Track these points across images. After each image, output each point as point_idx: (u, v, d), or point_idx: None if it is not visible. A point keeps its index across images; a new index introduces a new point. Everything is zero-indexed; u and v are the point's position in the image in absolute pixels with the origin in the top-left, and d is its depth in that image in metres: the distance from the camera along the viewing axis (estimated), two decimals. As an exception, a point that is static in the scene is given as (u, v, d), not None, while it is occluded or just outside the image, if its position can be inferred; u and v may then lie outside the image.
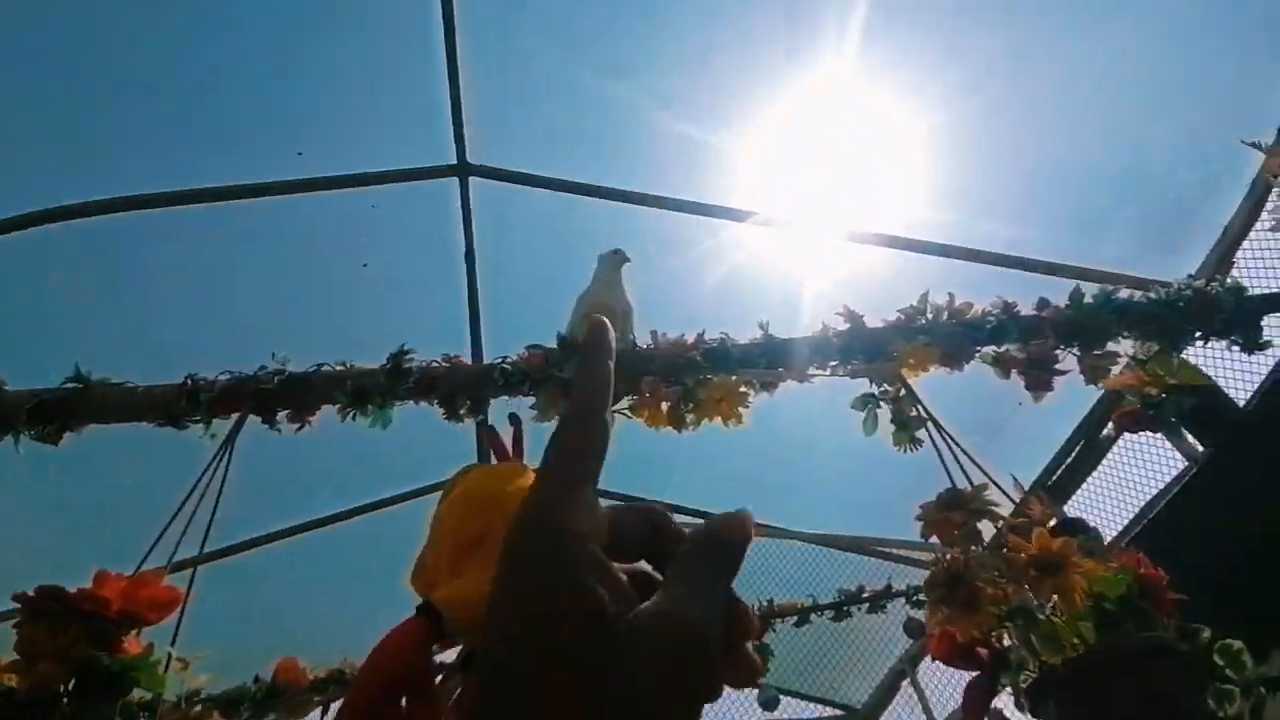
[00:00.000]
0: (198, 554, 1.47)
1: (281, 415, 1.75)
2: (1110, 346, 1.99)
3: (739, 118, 2.80)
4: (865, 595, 3.26)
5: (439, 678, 1.38)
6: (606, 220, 3.01)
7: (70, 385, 1.61)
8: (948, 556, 1.21)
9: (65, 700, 1.21)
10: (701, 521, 0.29)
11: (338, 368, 1.83)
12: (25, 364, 2.02)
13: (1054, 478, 2.95)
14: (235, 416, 1.67)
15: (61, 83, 2.32)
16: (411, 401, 1.85)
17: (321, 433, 1.95)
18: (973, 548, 1.22)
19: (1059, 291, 2.15)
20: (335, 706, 2.74)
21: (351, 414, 1.77)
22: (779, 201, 2.95)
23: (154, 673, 1.25)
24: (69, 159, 2.47)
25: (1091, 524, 2.24)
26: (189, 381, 1.63)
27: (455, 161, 2.83)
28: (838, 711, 4.00)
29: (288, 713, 2.67)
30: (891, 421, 1.74)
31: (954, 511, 1.23)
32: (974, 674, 1.29)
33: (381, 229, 2.95)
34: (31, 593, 1.25)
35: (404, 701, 1.23)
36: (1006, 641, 1.30)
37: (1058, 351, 1.93)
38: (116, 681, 1.24)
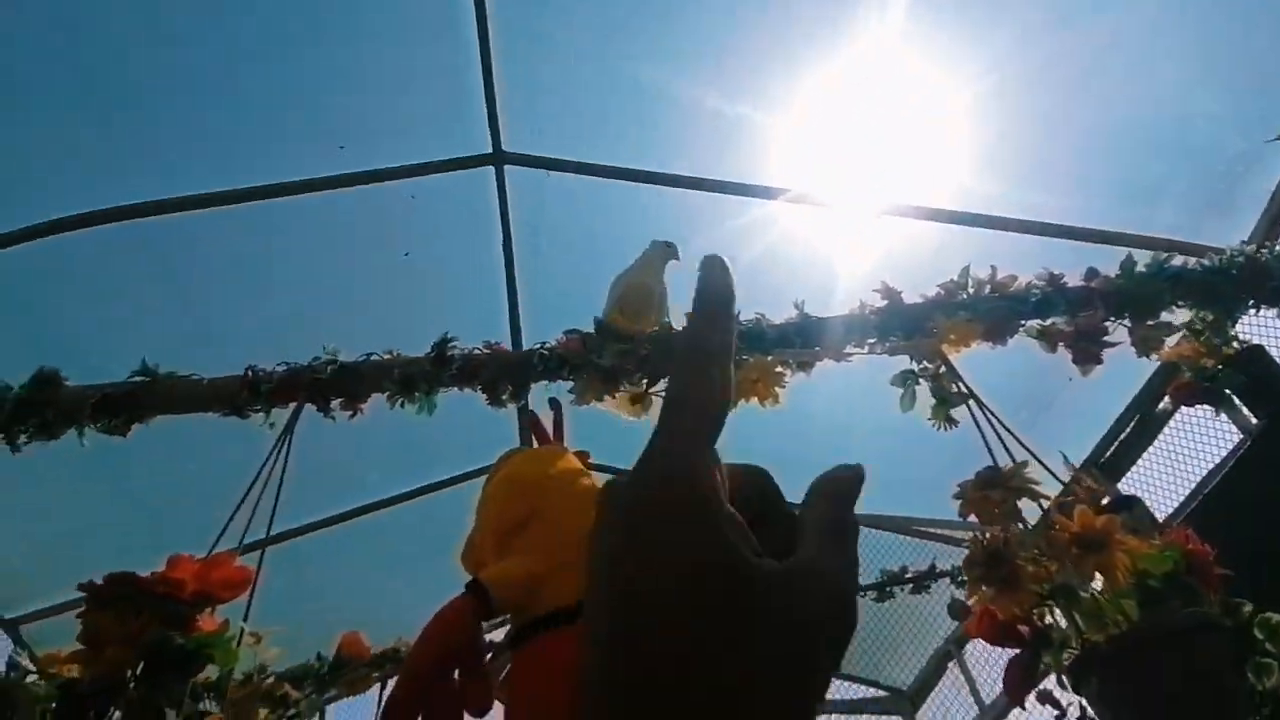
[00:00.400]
0: (265, 537, 1.55)
1: (335, 404, 1.83)
2: (1164, 317, 1.93)
3: (775, 93, 2.76)
4: (909, 576, 3.23)
5: (489, 655, 1.44)
6: (642, 203, 3.01)
7: (137, 379, 1.71)
8: (987, 535, 1.20)
9: (132, 685, 1.22)
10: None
11: (385, 357, 1.89)
12: (85, 359, 2.14)
13: (1107, 454, 2.87)
14: (293, 406, 1.75)
15: (99, 89, 2.42)
16: (455, 388, 1.90)
17: (372, 420, 2.02)
18: (1013, 526, 1.21)
19: (1108, 262, 2.08)
20: (392, 682, 2.87)
21: (400, 401, 1.84)
22: (817, 177, 2.91)
23: (229, 648, 1.29)
24: (124, 160, 2.58)
25: (1146, 501, 2.18)
26: (250, 373, 1.71)
27: (490, 150, 2.87)
28: (882, 693, 3.99)
29: (348, 688, 2.79)
30: (931, 395, 1.72)
31: (993, 490, 1.22)
32: (1016, 653, 1.29)
33: (421, 219, 3.01)
34: (100, 581, 1.28)
35: (455, 675, 1.29)
36: (1049, 620, 1.29)
37: (1108, 323, 1.87)
38: (190, 660, 1.26)
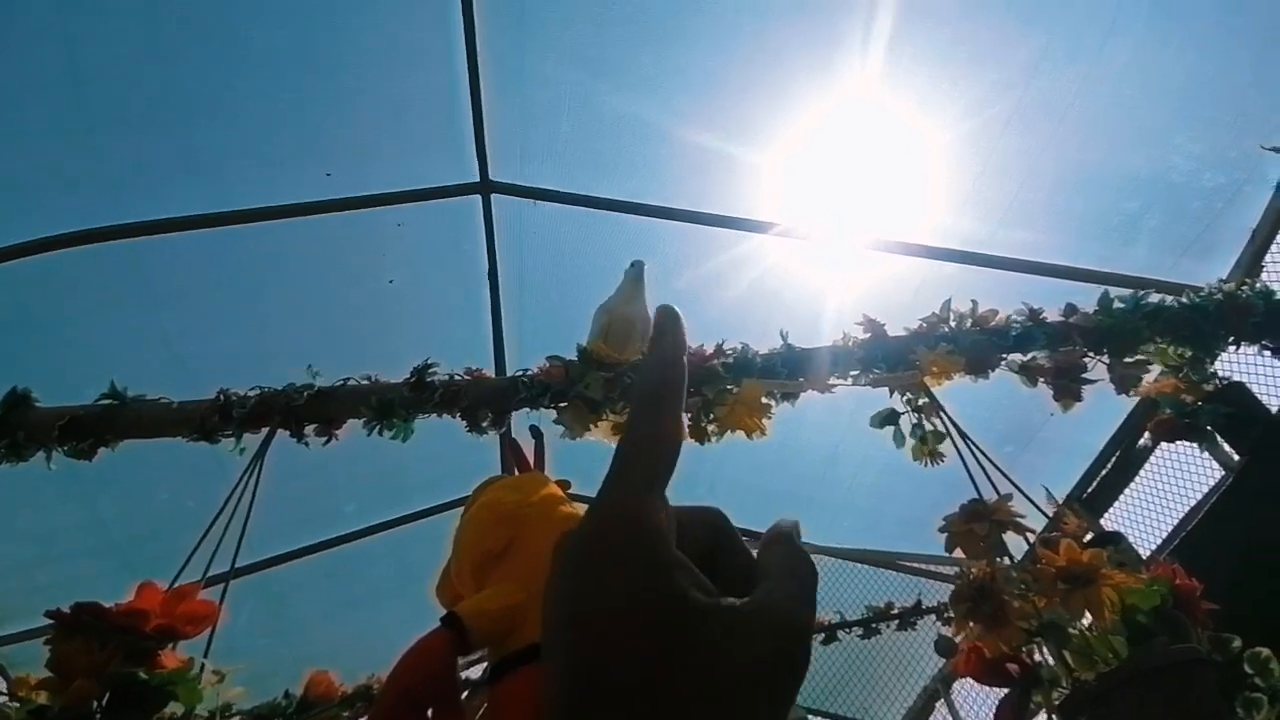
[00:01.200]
0: (230, 569, 1.49)
1: (309, 429, 1.79)
2: (1143, 352, 1.95)
3: (760, 129, 2.81)
4: (895, 612, 3.19)
5: (465, 692, 1.39)
6: (628, 234, 3.03)
7: (106, 402, 1.66)
8: (973, 570, 1.18)
9: (99, 717, 1.20)
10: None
11: (363, 382, 1.86)
12: (58, 382, 2.09)
13: (1090, 489, 2.88)
14: (265, 431, 1.71)
15: (91, 109, 2.41)
16: (434, 415, 1.87)
17: (346, 448, 1.98)
18: (998, 560, 1.19)
19: (1088, 300, 2.11)
20: (362, 721, 2.76)
21: (377, 428, 1.80)
22: (800, 213, 2.95)
23: (192, 687, 1.25)
24: (99, 182, 2.56)
25: (1129, 537, 2.18)
26: (221, 396, 1.67)
27: (478, 179, 2.88)
28: (869, 732, 3.91)
29: (316, 727, 2.69)
30: (910, 435, 1.72)
31: (978, 523, 1.20)
32: (1006, 692, 1.26)
33: (407, 245, 3.01)
34: (67, 609, 1.25)
35: (429, 713, 1.24)
36: (1038, 657, 1.26)
37: (1087, 359, 1.89)
38: (153, 697, 1.23)
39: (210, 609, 1.28)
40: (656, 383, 0.29)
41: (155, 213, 2.62)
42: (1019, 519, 1.24)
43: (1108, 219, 2.70)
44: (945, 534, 1.24)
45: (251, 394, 1.76)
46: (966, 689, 3.46)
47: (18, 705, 1.60)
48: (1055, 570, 1.11)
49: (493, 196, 2.94)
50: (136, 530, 3.02)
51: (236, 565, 1.51)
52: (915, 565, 3.39)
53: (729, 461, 3.39)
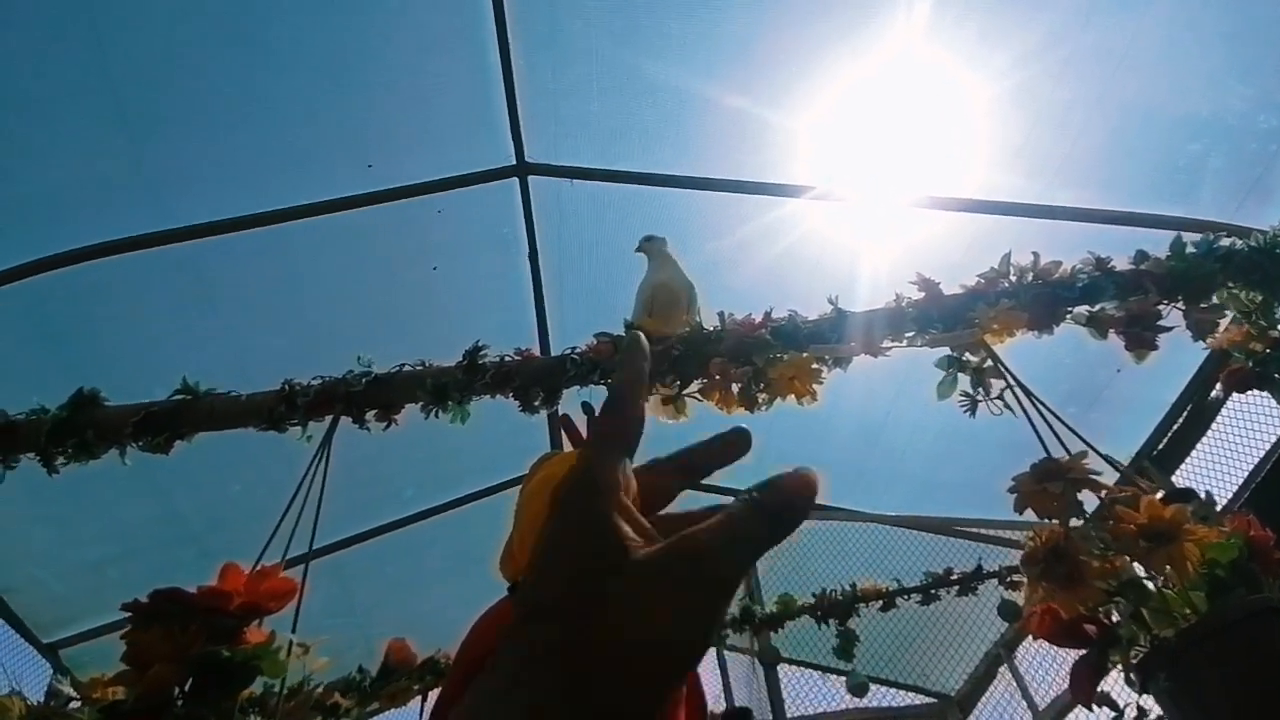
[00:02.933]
0: (308, 550, 1.55)
1: (370, 415, 1.84)
2: (1215, 299, 1.85)
3: (798, 90, 2.73)
4: (954, 577, 3.14)
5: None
6: (666, 207, 3.00)
7: (179, 396, 1.73)
8: (1045, 530, 1.15)
9: (180, 703, 1.19)
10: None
11: (417, 367, 1.90)
12: (117, 382, 2.19)
13: (1160, 446, 2.76)
14: (329, 418, 1.76)
15: (128, 116, 2.48)
16: (488, 396, 1.90)
17: (403, 435, 2.02)
18: (1073, 520, 1.15)
19: (1152, 247, 2.00)
20: (434, 695, 2.86)
21: (433, 411, 1.84)
22: (841, 174, 2.87)
23: (276, 659, 1.27)
24: (142, 188, 2.64)
25: (1200, 492, 2.09)
26: (286, 386, 1.72)
27: (514, 162, 2.89)
28: (930, 699, 3.88)
29: (390, 701, 2.79)
30: (971, 386, 1.66)
31: (1051, 482, 1.16)
32: (1079, 653, 1.23)
33: (448, 231, 3.04)
34: (146, 598, 1.26)
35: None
36: (1114, 616, 1.23)
37: (1161, 307, 1.80)
38: (238, 673, 1.24)
39: (292, 585, 1.32)
40: (620, 381, 0.34)
41: (202, 216, 2.70)
42: (1095, 476, 1.20)
43: (1167, 165, 2.56)
44: (1014, 494, 1.21)
45: (314, 383, 1.82)
46: (1030, 653, 3.40)
47: (89, 709, 1.65)
48: (1136, 528, 1.07)
49: (530, 178, 2.94)
50: (212, 520, 3.17)
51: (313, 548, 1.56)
52: (975, 530, 3.32)
53: (776, 432, 3.36)
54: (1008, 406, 1.51)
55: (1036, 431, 1.39)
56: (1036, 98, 2.55)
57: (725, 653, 3.72)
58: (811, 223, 3.03)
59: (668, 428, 2.01)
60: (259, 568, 1.35)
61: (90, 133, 2.50)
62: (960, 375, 1.67)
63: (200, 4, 2.42)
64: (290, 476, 1.84)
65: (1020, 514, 1.19)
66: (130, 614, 1.23)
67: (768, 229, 3.02)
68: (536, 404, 1.90)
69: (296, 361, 2.18)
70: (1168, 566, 1.09)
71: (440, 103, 2.82)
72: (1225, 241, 1.89)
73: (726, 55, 2.71)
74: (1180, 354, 2.27)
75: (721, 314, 1.96)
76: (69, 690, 2.07)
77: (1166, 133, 2.52)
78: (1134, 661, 1.18)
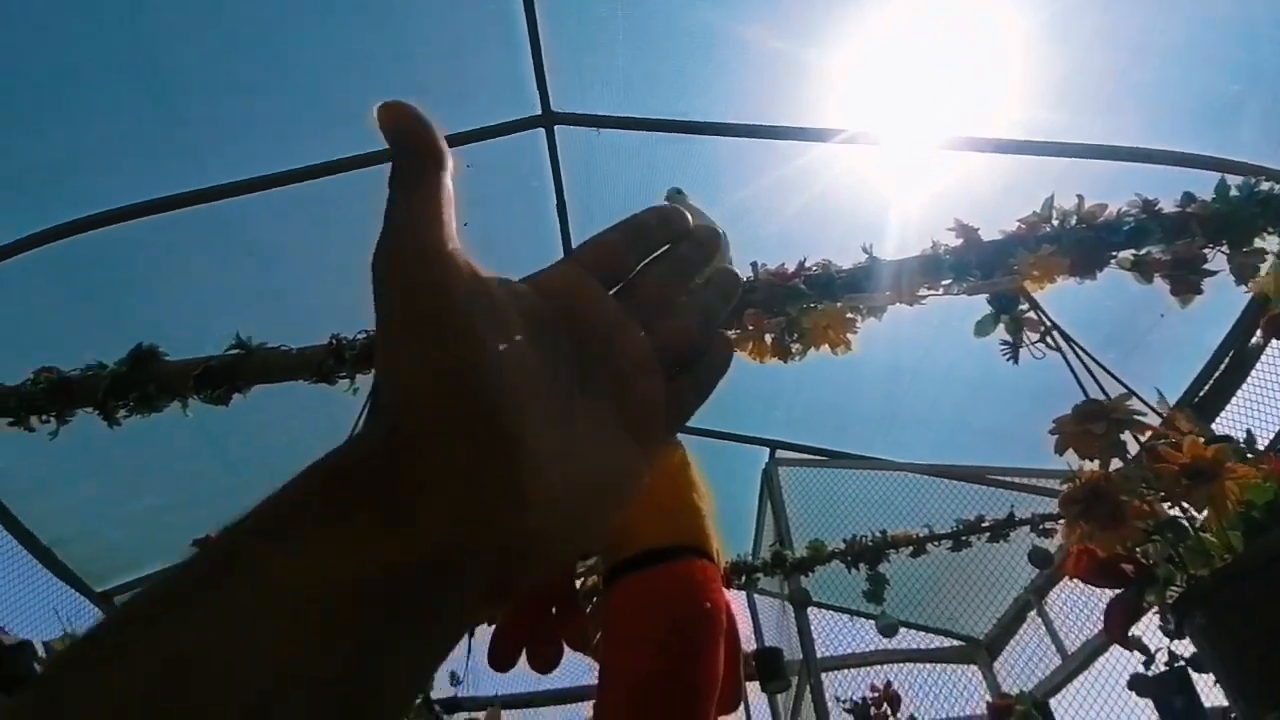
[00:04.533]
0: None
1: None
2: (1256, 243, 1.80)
3: (829, 30, 2.64)
4: (986, 524, 3.16)
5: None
6: (693, 153, 2.96)
7: (234, 351, 1.80)
8: (1086, 471, 1.16)
9: None
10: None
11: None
12: (176, 338, 2.26)
13: (1200, 394, 2.72)
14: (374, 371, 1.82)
15: (161, 78, 2.49)
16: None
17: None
18: (1115, 461, 1.16)
19: (1193, 187, 1.94)
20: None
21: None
22: (875, 117, 2.79)
23: None
24: (177, 149, 2.67)
25: (1239, 439, 2.06)
26: (334, 341, 1.78)
27: (540, 112, 2.85)
28: (958, 643, 3.96)
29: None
30: (1010, 332, 1.65)
31: (1095, 423, 1.16)
32: (1115, 593, 1.25)
33: (477, 185, 3.03)
34: (217, 534, 1.39)
35: (553, 610, 1.33)
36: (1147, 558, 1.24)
37: (1206, 250, 1.76)
38: None
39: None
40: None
41: (238, 174, 2.73)
42: (1139, 416, 1.20)
43: (1209, 105, 2.45)
44: (1055, 436, 1.21)
45: (359, 337, 1.87)
46: (1059, 599, 3.43)
47: None
48: (1179, 466, 1.08)
49: (556, 128, 2.91)
50: (263, 469, 3.30)
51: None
52: (1007, 479, 3.33)
53: (807, 381, 3.36)
54: (1054, 348, 1.50)
55: (1076, 377, 1.39)
56: (1074, 33, 2.44)
57: (755, 596, 3.82)
58: (843, 167, 2.97)
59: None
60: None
61: (126, 96, 2.53)
62: (1001, 319, 1.65)
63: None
64: (334, 426, 1.91)
65: (1061, 455, 1.20)
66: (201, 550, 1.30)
67: (798, 175, 2.97)
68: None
69: (336, 317, 2.24)
70: (1207, 506, 1.10)
71: (467, 54, 2.79)
72: (1265, 185, 1.84)
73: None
74: (1222, 299, 2.22)
75: (755, 264, 1.95)
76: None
77: (1206, 73, 2.41)
78: (1169, 601, 1.20)
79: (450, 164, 0.24)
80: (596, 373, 0.24)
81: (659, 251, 0.28)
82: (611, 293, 0.26)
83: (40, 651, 1.71)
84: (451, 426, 0.20)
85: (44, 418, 1.96)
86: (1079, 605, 3.24)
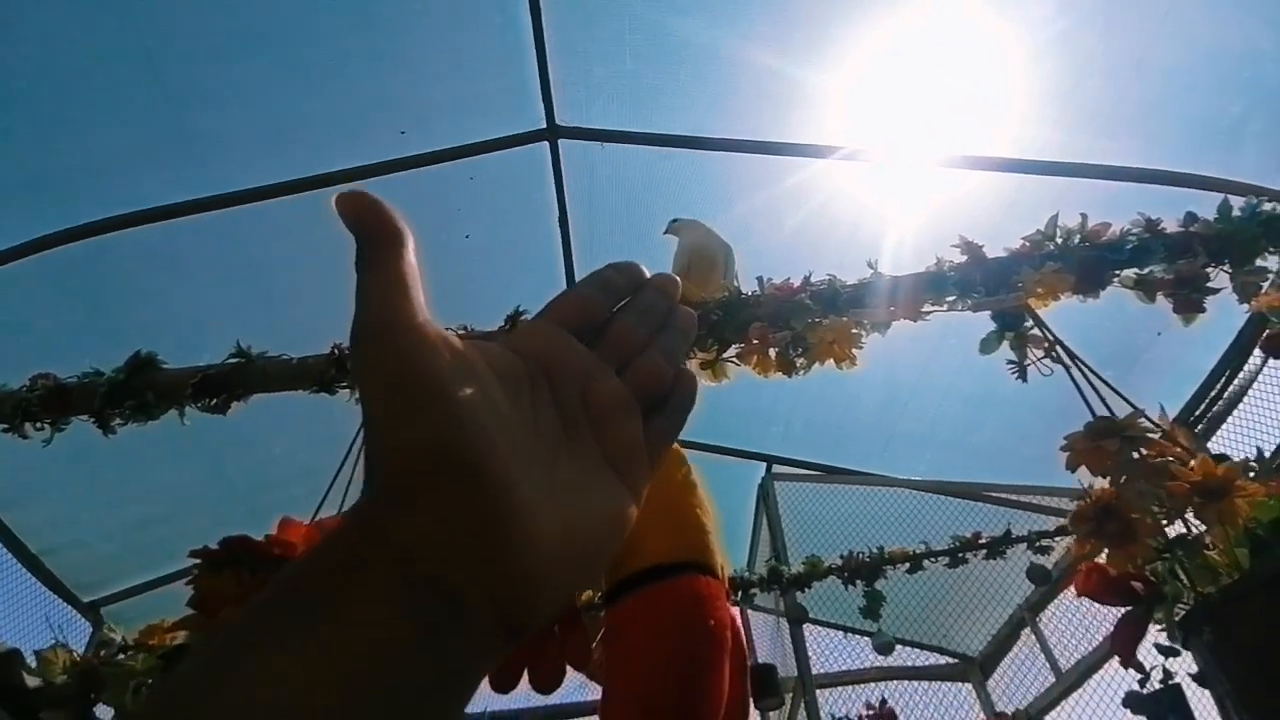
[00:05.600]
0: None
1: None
2: (1258, 263, 1.83)
3: (831, 47, 2.67)
4: (983, 541, 3.16)
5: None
6: (696, 168, 2.98)
7: (234, 360, 1.78)
8: (1095, 489, 1.16)
9: None
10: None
11: (461, 331, 1.92)
12: (174, 348, 2.24)
13: (1198, 412, 2.74)
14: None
15: (165, 85, 2.49)
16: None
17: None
18: (1124, 478, 1.16)
19: (1194, 208, 1.96)
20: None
21: (475, 374, 1.87)
22: (874, 135, 2.83)
23: None
24: (182, 157, 2.67)
25: (1235, 457, 2.08)
26: (335, 350, 1.76)
27: (544, 125, 2.87)
28: (953, 660, 3.94)
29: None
30: (1013, 349, 1.66)
31: (1107, 440, 1.17)
32: (1104, 618, 1.25)
33: (480, 197, 3.04)
34: (217, 545, 1.32)
35: (556, 629, 1.32)
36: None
37: (1208, 269, 1.78)
38: None
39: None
40: None
41: (239, 183, 2.73)
42: (1150, 434, 1.21)
43: (1210, 125, 2.50)
44: (1066, 453, 1.22)
45: (360, 346, 1.85)
46: (1054, 617, 3.43)
47: (143, 655, 1.73)
48: (1189, 484, 1.08)
49: (560, 141, 2.93)
50: (256, 481, 3.26)
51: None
52: (1003, 495, 3.33)
53: (805, 397, 3.37)
54: (1060, 363, 1.50)
55: (1082, 393, 1.39)
56: (1074, 52, 2.48)
57: (750, 611, 3.80)
58: (844, 183, 3.00)
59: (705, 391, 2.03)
60: (318, 520, 1.40)
61: (128, 102, 2.52)
62: (1006, 336, 1.66)
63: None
64: (331, 437, 1.89)
65: (1073, 471, 1.20)
66: (200, 560, 1.28)
67: (799, 190, 2.99)
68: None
69: (337, 328, 2.22)
70: (1217, 523, 1.11)
71: (472, 66, 2.80)
72: (1267, 206, 1.87)
73: (757, 10, 2.66)
74: (1220, 319, 2.24)
75: (760, 278, 1.96)
76: (119, 638, 2.15)
77: (1208, 93, 2.45)
78: (1176, 618, 1.20)
79: (410, 241, 0.26)
80: (577, 418, 0.26)
81: (625, 301, 0.30)
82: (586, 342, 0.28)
83: (30, 661, 1.67)
84: (438, 483, 0.21)
85: (38, 425, 1.92)
86: (1073, 623, 3.24)
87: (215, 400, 1.70)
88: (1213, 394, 2.59)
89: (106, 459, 2.88)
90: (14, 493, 3.10)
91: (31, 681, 1.68)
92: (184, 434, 2.21)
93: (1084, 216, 1.72)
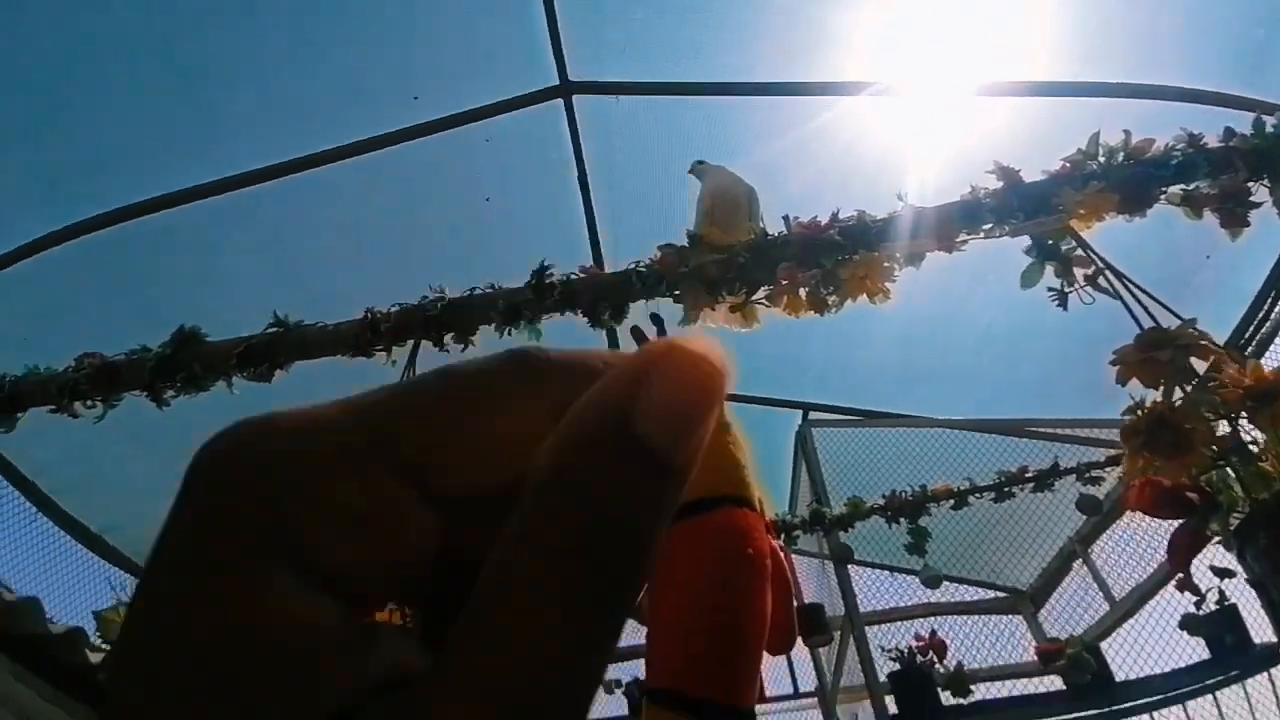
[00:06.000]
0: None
1: (447, 338, 1.90)
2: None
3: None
4: (1029, 475, 3.13)
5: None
6: (714, 115, 2.92)
7: (273, 329, 1.83)
8: (1148, 401, 1.13)
9: None
10: None
11: (488, 290, 1.94)
12: (216, 321, 2.30)
13: (1247, 334, 2.65)
14: (410, 343, 1.84)
15: (179, 67, 2.52)
16: (557, 314, 1.93)
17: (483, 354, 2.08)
18: (1184, 387, 1.13)
19: (1213, 128, 1.87)
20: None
21: (507, 330, 1.89)
22: (901, 66, 2.72)
23: None
24: (200, 137, 2.70)
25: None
26: (369, 315, 1.80)
27: (557, 82, 2.82)
28: (1002, 594, 3.94)
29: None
30: (1057, 275, 1.61)
31: (1160, 350, 1.14)
32: (1157, 543, 1.24)
33: (498, 158, 3.03)
34: None
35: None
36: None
37: (1249, 185, 1.70)
38: None
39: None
40: None
41: (260, 161, 2.75)
42: (1204, 341, 1.17)
43: (1236, 49, 2.36)
44: (1116, 367, 1.19)
45: (393, 310, 1.89)
46: (1105, 548, 3.40)
47: None
48: (1243, 389, 1.05)
49: (574, 98, 2.88)
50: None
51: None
52: (1049, 430, 3.28)
53: (839, 343, 3.33)
54: (1105, 290, 1.46)
55: (1133, 314, 1.35)
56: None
57: (795, 556, 3.83)
58: (870, 120, 2.91)
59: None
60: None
61: (137, 84, 2.55)
62: (1046, 264, 1.61)
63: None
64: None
65: (1123, 385, 1.17)
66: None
67: (824, 130, 2.92)
68: (605, 318, 1.93)
69: (368, 294, 2.25)
70: (1271, 428, 1.08)
71: (481, 26, 2.77)
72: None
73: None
74: (1264, 237, 2.15)
75: (786, 218, 1.92)
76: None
77: (1235, 13, 2.32)
78: (1232, 527, 1.19)
79: None
80: None
81: None
82: None
83: (91, 635, 1.73)
84: None
85: (89, 403, 2.00)
86: (1126, 553, 3.21)
87: (259, 368, 1.75)
88: (1260, 315, 2.49)
89: (161, 436, 2.99)
90: (71, 476, 3.25)
91: (95, 659, 1.64)
92: (234, 407, 2.29)
93: (1127, 133, 1.64)
